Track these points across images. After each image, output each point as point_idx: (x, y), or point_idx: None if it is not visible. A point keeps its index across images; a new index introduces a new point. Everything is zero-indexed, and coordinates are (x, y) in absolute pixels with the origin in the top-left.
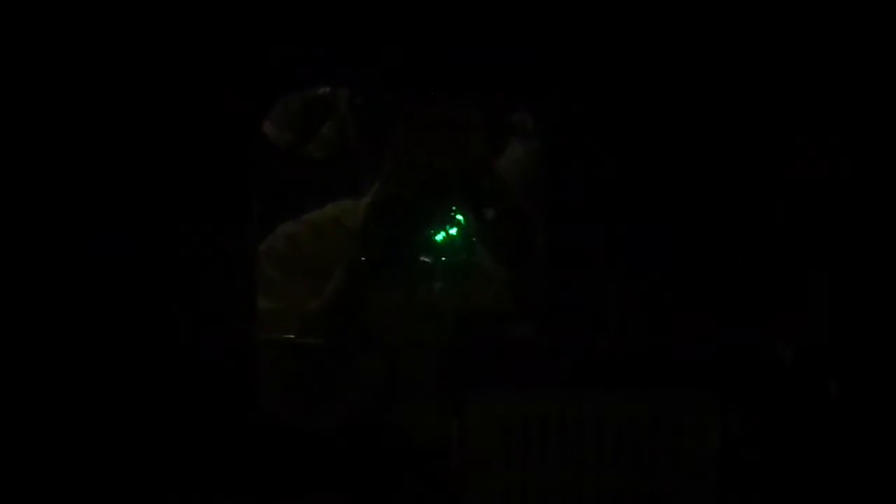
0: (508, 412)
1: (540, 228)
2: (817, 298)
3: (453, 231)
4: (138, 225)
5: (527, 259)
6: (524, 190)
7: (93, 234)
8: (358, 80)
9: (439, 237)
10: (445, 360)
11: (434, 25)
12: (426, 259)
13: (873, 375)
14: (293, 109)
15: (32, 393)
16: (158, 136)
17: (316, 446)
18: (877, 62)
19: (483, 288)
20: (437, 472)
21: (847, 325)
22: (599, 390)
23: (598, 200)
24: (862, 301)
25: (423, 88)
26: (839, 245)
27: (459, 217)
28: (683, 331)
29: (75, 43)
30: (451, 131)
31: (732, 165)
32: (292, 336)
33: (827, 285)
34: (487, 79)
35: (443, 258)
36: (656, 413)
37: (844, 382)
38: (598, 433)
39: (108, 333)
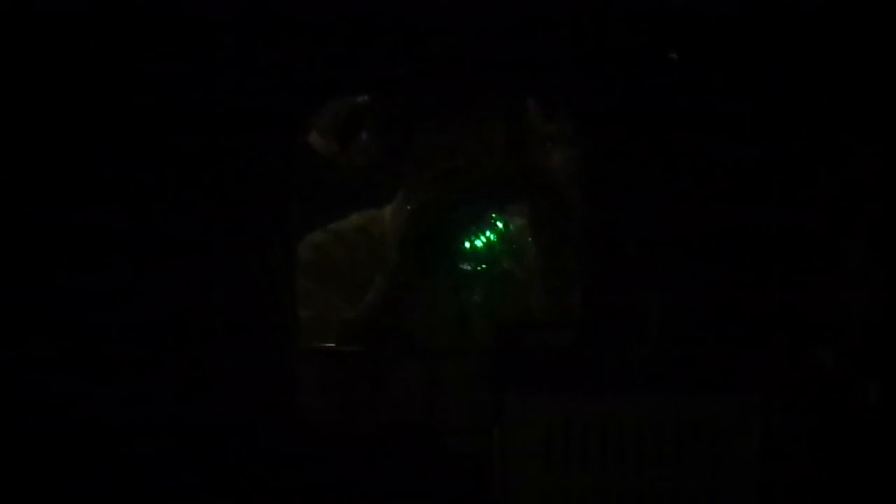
0: (549, 417)
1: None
2: (857, 301)
3: (493, 237)
4: (179, 234)
5: (570, 264)
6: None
7: (137, 245)
8: (377, 85)
9: (479, 243)
10: (485, 366)
11: (458, 23)
12: (465, 266)
13: None
14: (338, 117)
15: (74, 406)
16: (199, 150)
17: (358, 451)
18: None
19: (521, 295)
20: (478, 477)
21: (886, 327)
22: (639, 395)
23: (637, 206)
24: None
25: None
26: (878, 249)
27: (499, 223)
28: (723, 335)
29: (112, 47)
30: (482, 134)
31: (774, 170)
32: (333, 344)
33: (866, 288)
34: (512, 77)
35: (481, 265)
36: (697, 417)
37: (884, 385)
38: (639, 438)
39: (146, 345)
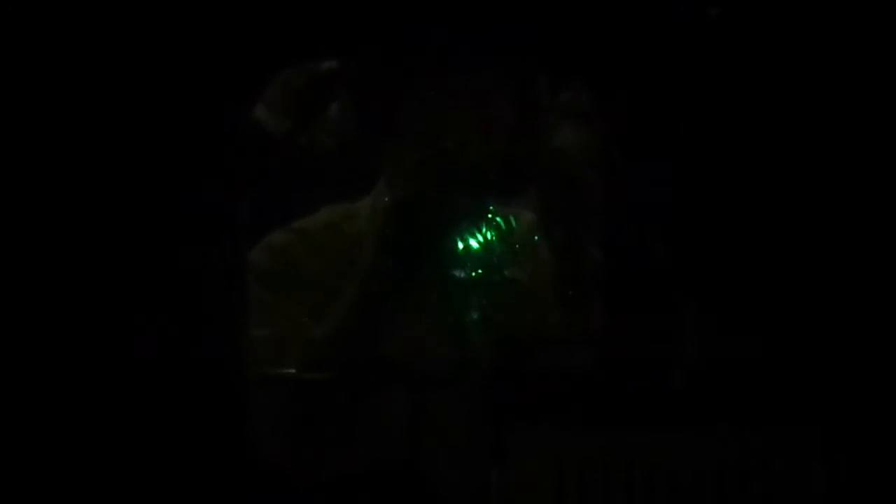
0: (561, 456)
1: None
2: None
3: (492, 236)
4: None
5: (588, 269)
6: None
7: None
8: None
9: (474, 244)
10: (482, 396)
11: None
12: (457, 273)
13: None
14: (292, 89)
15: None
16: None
17: (326, 502)
18: None
19: (527, 307)
20: None
21: None
22: (673, 428)
23: (669, 195)
24: None
25: (437, 57)
26: None
27: (499, 220)
28: (775, 357)
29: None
30: (482, 108)
31: (826, 176)
32: (293, 370)
33: None
34: (520, 37)
35: (477, 271)
36: (743, 454)
37: None
38: (674, 480)
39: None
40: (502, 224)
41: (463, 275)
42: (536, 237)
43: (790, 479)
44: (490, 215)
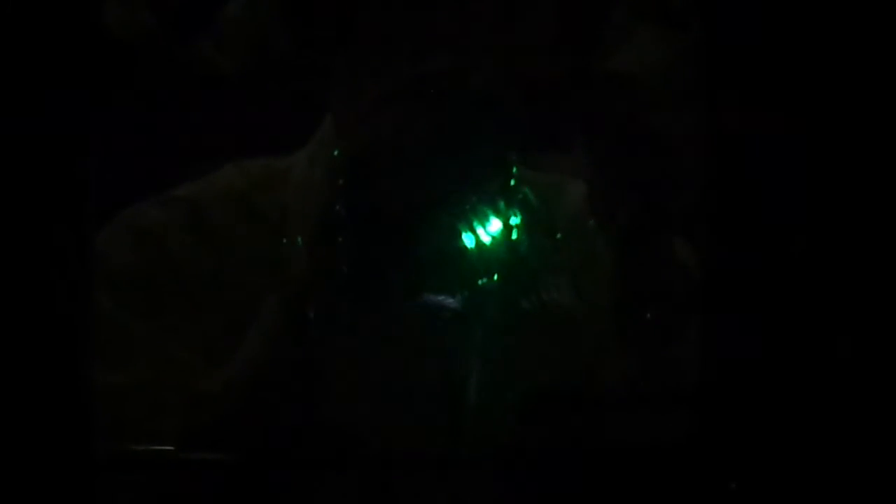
0: None
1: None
2: None
3: (512, 222)
4: None
5: (669, 275)
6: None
7: None
8: None
9: (483, 237)
10: (492, 491)
11: None
12: (454, 286)
13: None
14: None
15: None
16: None
17: None
18: None
19: (572, 345)
20: None
21: None
22: None
23: (810, 157)
24: None
25: None
26: None
27: (526, 192)
28: None
29: None
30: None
31: None
32: (171, 446)
33: None
34: None
35: (488, 280)
36: None
37: None
38: None
39: None
40: (532, 200)
41: (464, 289)
42: (589, 222)
43: None
44: (511, 185)
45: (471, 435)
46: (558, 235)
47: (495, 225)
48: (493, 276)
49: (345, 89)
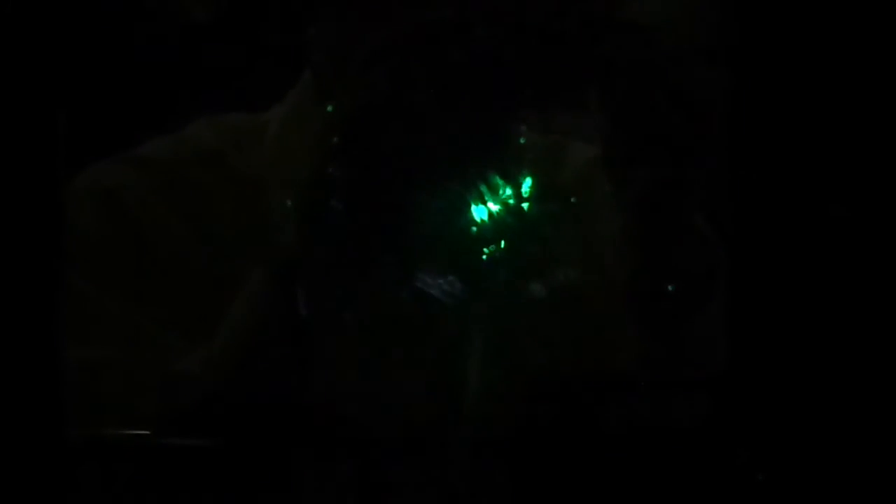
0: None
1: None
2: None
3: (522, 188)
4: None
5: (695, 235)
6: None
7: None
8: None
9: (478, 212)
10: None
11: None
12: (458, 260)
13: None
14: None
15: None
16: None
17: None
18: None
19: (582, 325)
20: None
21: None
22: None
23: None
24: None
25: None
26: None
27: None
28: None
29: None
30: None
31: None
32: (146, 429)
33: None
34: None
35: (492, 251)
36: None
37: None
38: None
39: None
40: (542, 164)
41: (468, 260)
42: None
43: None
44: (519, 147)
45: (475, 417)
46: (572, 199)
47: (502, 193)
48: (499, 246)
49: (330, 41)
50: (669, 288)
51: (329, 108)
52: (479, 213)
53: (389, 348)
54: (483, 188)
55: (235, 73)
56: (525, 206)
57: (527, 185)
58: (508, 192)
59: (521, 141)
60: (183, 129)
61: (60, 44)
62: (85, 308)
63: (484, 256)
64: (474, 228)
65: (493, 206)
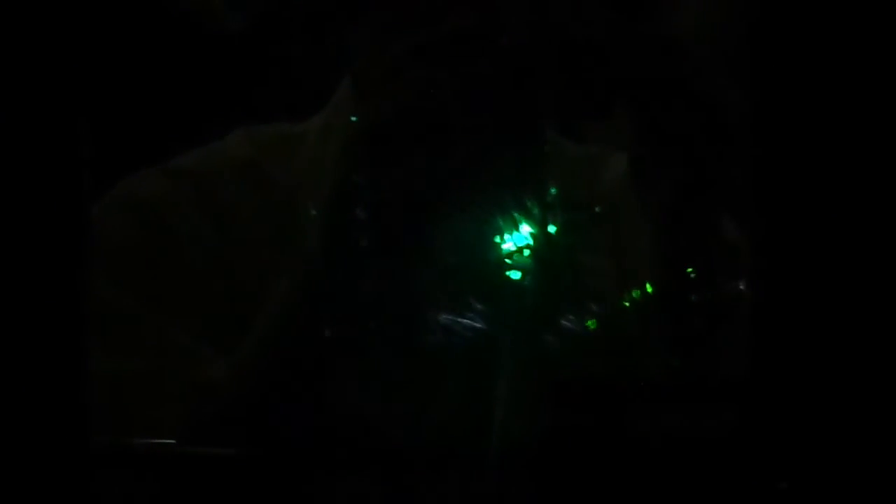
0: None
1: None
2: None
3: (549, 199)
4: None
5: (722, 247)
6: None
7: None
8: None
9: (508, 241)
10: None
11: None
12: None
13: None
14: None
15: None
16: None
17: None
18: None
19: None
20: None
21: None
22: None
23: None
24: None
25: None
26: None
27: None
28: None
29: None
30: None
31: None
32: (172, 439)
33: None
34: None
35: (520, 260)
36: None
37: None
38: None
39: None
40: (570, 174)
41: (495, 288)
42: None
43: None
44: (553, 157)
45: (501, 430)
46: (597, 209)
47: (532, 210)
48: (528, 269)
49: (365, 49)
50: (693, 298)
51: (353, 118)
52: (507, 234)
53: (415, 362)
54: (512, 205)
55: (275, 82)
56: (552, 228)
57: (555, 198)
58: (537, 210)
59: (551, 151)
60: (221, 140)
61: (87, 50)
62: (117, 317)
63: (512, 276)
64: (503, 250)
65: (524, 229)
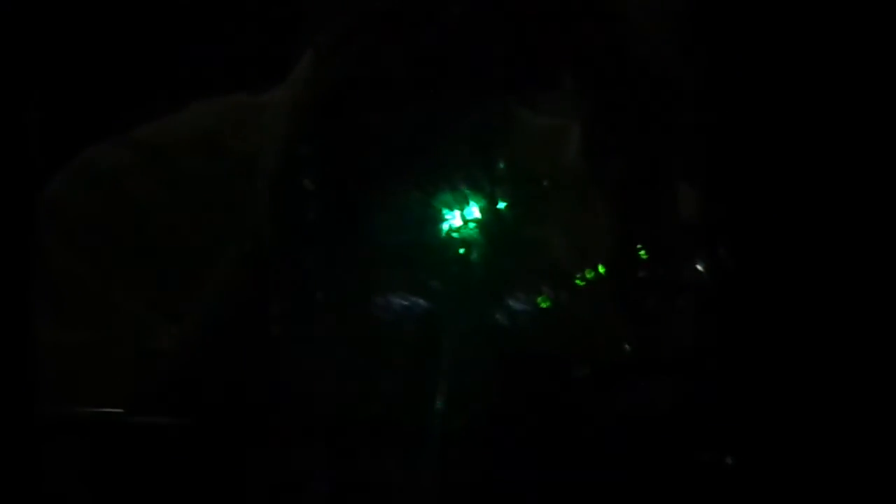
0: None
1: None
2: None
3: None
4: None
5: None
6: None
7: None
8: None
9: (456, 215)
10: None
11: None
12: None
13: None
14: None
15: None
16: None
17: None
18: None
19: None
20: None
21: None
22: None
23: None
24: None
25: None
26: None
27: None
28: None
29: None
30: None
31: None
32: (121, 408)
33: None
34: None
35: (466, 234)
36: None
37: None
38: None
39: None
40: (526, 146)
41: (444, 262)
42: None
43: None
44: (501, 129)
45: (449, 407)
46: (545, 183)
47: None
48: (477, 243)
49: (329, 20)
50: (645, 274)
51: (310, 90)
52: (457, 208)
53: (362, 334)
54: (462, 179)
55: (237, 53)
56: (501, 203)
57: (504, 172)
58: (486, 183)
59: (508, 123)
60: (182, 111)
61: (40, 22)
62: (70, 287)
63: (461, 252)
64: (451, 225)
65: (473, 203)
